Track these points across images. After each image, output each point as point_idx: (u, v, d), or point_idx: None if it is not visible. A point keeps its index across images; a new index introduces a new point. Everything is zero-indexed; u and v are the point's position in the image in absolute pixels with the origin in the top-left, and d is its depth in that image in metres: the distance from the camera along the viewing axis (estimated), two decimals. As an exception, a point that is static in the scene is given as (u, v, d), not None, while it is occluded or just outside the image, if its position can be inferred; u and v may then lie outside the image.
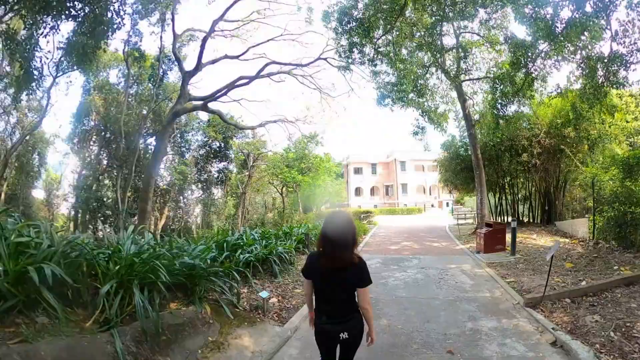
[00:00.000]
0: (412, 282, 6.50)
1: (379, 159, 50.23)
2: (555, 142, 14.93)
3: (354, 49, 11.46)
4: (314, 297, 2.24)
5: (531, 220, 18.46)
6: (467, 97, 15.19)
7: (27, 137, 24.64)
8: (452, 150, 16.03)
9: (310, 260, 2.25)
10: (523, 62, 10.03)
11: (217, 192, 26.73)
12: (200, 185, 24.91)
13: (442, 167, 16.52)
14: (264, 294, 4.63)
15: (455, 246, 10.94)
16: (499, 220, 17.39)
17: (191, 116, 22.65)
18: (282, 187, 24.82)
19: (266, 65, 13.37)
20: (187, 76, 13.78)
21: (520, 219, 18.75)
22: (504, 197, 17.82)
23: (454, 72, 15.87)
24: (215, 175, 25.01)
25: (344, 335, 2.07)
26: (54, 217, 33.14)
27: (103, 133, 23.87)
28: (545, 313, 5.23)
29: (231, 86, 13.14)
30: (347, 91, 16.39)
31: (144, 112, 22.15)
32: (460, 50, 14.87)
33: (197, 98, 13.01)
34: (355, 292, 2.11)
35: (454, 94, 16.98)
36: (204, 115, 23.56)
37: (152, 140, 24.82)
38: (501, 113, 11.16)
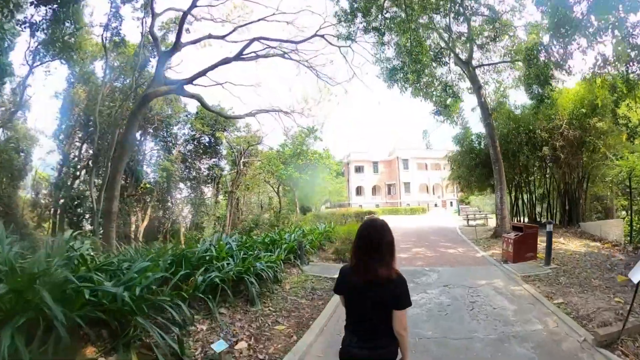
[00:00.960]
0: (437, 309, 4.85)
1: (381, 157, 48.61)
2: (580, 134, 13.34)
3: (358, 14, 9.83)
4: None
5: (549, 221, 16.85)
6: (482, 84, 13.58)
7: (9, 134, 23.15)
8: (465, 143, 14.35)
9: (341, 274, 1.98)
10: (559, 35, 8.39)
11: (208, 191, 25.16)
12: (189, 184, 23.16)
13: (455, 163, 14.82)
14: (219, 345, 2.99)
15: (476, 253, 9.30)
16: (514, 221, 15.75)
17: (177, 107, 21.01)
18: (279, 186, 23.13)
19: (252, 41, 11.71)
20: (163, 57, 12.18)
21: (537, 219, 17.15)
22: (519, 196, 16.15)
23: (465, 57, 14.37)
24: (205, 173, 23.29)
25: None
26: (41, 218, 31.59)
27: (87, 128, 22.24)
28: (630, 358, 3.68)
29: (212, 67, 11.51)
30: (347, 79, 14.70)
31: (130, 104, 20.54)
32: (473, 32, 13.38)
33: (174, 81, 11.36)
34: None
35: (464, 84, 15.54)
36: (192, 107, 21.94)
37: (138, 136, 23.21)
38: (539, 90, 9.61)
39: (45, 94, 28.83)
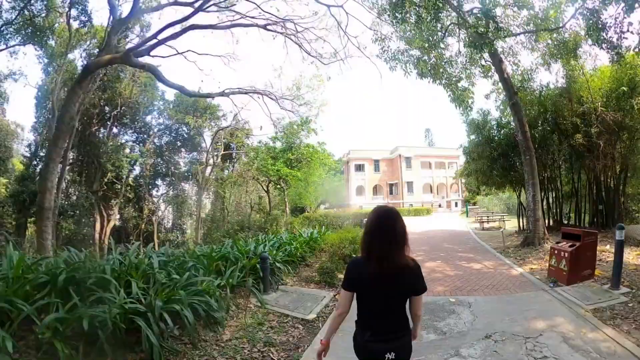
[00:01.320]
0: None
1: (382, 155, 46.24)
2: (621, 116, 11.03)
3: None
4: (343, 319, 1.85)
5: (576, 223, 14.47)
6: (502, 58, 11.24)
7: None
8: (484, 130, 11.91)
9: (353, 267, 1.84)
10: None
11: (190, 188, 22.93)
12: (168, 180, 20.77)
13: (471, 154, 12.36)
14: None
15: (509, 269, 6.93)
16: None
17: (151, 94, 18.73)
18: (268, 184, 20.68)
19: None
20: (118, 24, 9.96)
21: (563, 221, 14.77)
22: (544, 194, 13.76)
23: (482, 30, 12.08)
24: (184, 168, 20.94)
25: (390, 356, 1.71)
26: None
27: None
28: None
29: (175, 35, 9.25)
30: (342, 58, 12.37)
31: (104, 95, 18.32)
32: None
33: (126, 50, 9.10)
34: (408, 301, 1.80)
35: (475, 70, 13.26)
36: (170, 95, 19.64)
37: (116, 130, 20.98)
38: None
39: (20, 83, 26.67)
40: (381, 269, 1.67)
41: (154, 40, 9.89)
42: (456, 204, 44.48)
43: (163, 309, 3.29)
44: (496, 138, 11.85)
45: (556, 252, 6.00)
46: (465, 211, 28.80)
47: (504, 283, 5.83)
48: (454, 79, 13.11)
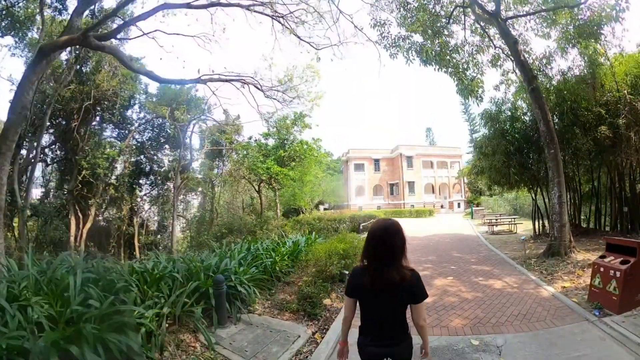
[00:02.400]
0: None
1: (383, 154, 44.85)
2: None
3: None
4: (351, 323, 1.96)
5: (596, 227, 13.11)
6: (517, 38, 9.90)
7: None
8: (499, 122, 10.47)
9: (353, 275, 1.90)
10: None
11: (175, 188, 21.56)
12: (152, 179, 19.40)
13: (483, 150, 10.84)
14: None
15: (537, 288, 5.57)
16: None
17: (132, 86, 17.35)
18: (259, 183, 19.21)
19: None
20: (83, 4, 8.69)
21: (582, 224, 13.41)
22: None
23: (492, 8, 10.79)
24: (166, 168, 19.46)
25: None
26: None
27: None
28: None
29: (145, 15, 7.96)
30: (335, 44, 11.04)
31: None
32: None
33: (84, 30, 7.79)
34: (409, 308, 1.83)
35: (483, 57, 11.96)
36: (153, 88, 18.30)
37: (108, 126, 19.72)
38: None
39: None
40: (377, 284, 1.75)
41: (120, 22, 8.65)
42: (459, 205, 43.09)
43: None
44: (511, 131, 10.44)
45: (602, 269, 4.66)
46: (470, 213, 27.41)
47: (536, 310, 4.48)
48: (461, 67, 11.84)
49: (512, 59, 9.64)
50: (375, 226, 1.87)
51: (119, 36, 9.77)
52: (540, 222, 12.90)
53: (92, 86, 15.33)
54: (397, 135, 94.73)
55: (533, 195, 12.72)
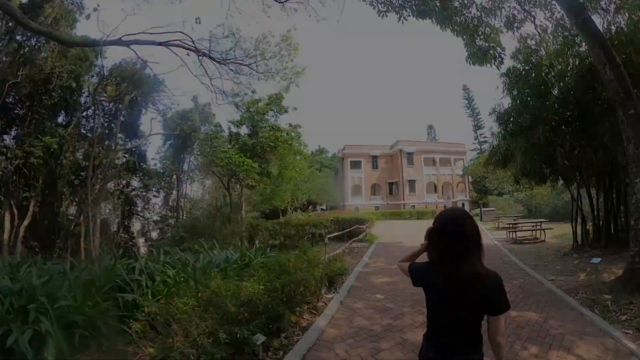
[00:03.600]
0: None
1: (381, 151, 41.63)
2: None
3: None
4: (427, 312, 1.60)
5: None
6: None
7: None
8: (537, 81, 7.04)
9: (416, 273, 1.61)
10: None
11: (137, 182, 18.57)
12: (110, 172, 16.27)
13: (511, 124, 7.41)
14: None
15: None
16: (613, 237, 8.68)
17: (82, 68, 14.39)
18: (229, 180, 15.83)
19: None
20: None
21: None
22: (612, 194, 9.03)
23: None
24: (123, 160, 16.46)
25: None
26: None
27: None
28: None
29: None
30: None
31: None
32: None
33: None
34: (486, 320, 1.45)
35: (495, 20, 8.70)
36: (107, 62, 15.03)
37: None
38: None
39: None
40: (447, 281, 1.45)
41: None
42: (463, 206, 39.85)
43: None
44: (555, 94, 7.06)
45: None
46: (479, 214, 24.19)
47: None
48: (471, 24, 8.53)
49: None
50: (443, 214, 1.59)
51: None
52: (584, 227, 9.60)
53: (34, 67, 12.72)
54: (397, 133, 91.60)
55: (576, 189, 9.45)
